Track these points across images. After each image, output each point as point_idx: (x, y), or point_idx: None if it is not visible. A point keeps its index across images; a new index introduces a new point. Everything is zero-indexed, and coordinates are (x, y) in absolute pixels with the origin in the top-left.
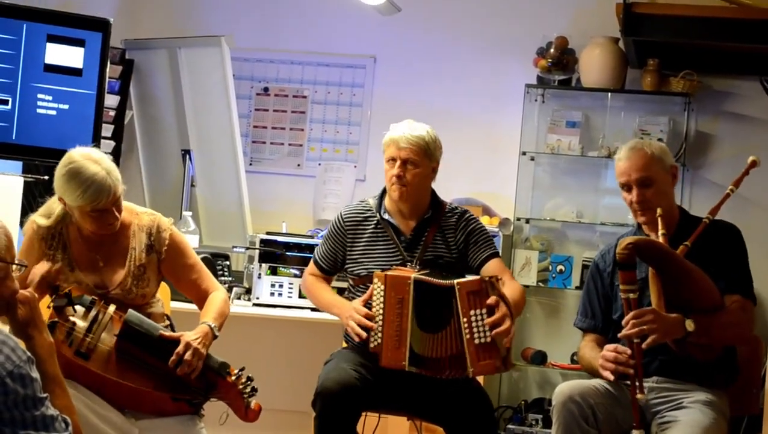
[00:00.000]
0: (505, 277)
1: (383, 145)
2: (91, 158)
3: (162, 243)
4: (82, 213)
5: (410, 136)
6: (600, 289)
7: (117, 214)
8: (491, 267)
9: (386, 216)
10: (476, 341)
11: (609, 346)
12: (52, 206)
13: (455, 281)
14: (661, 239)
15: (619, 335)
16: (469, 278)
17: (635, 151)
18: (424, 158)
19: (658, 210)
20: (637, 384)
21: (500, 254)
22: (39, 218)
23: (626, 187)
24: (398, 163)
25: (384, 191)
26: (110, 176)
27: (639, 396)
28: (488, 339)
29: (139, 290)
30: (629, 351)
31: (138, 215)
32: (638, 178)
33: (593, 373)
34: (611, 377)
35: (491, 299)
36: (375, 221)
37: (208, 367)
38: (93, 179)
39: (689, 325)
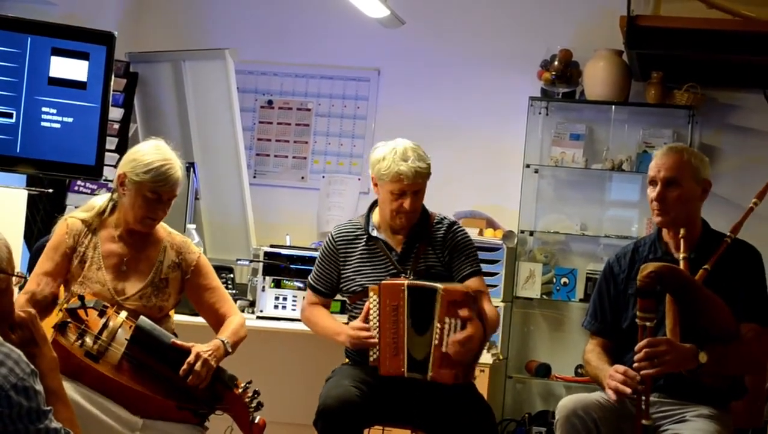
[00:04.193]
0: (484, 297)
1: (382, 173)
2: (169, 149)
3: (189, 263)
4: (138, 193)
5: (419, 169)
6: (612, 292)
7: (165, 211)
8: (471, 285)
9: (374, 233)
10: (442, 348)
11: (619, 368)
12: (94, 202)
13: (441, 285)
14: (681, 264)
15: (634, 366)
16: (456, 286)
17: (672, 150)
18: (426, 181)
19: (682, 231)
20: (643, 409)
21: (502, 267)
22: (78, 213)
23: (653, 183)
24: (409, 199)
25: (371, 208)
26: (181, 171)
27: (644, 421)
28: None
29: (157, 301)
30: (638, 377)
31: (171, 234)
32: (665, 177)
33: (597, 381)
34: (614, 397)
35: (465, 312)
36: (365, 239)
37: (216, 378)
38: (168, 162)
39: (702, 357)
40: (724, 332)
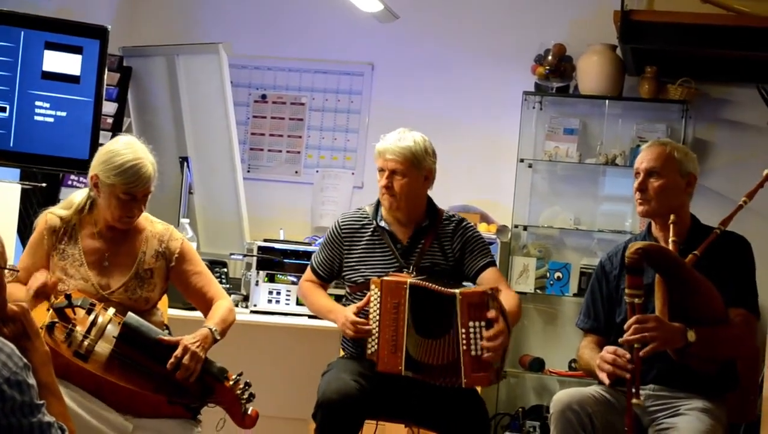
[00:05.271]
0: (502, 286)
1: (374, 155)
2: (138, 146)
3: (173, 251)
4: (111, 195)
5: (396, 147)
6: (604, 291)
7: (142, 208)
8: (488, 276)
9: (382, 223)
10: (472, 352)
11: (608, 348)
12: (73, 198)
13: (458, 291)
14: (671, 246)
15: (620, 340)
16: (472, 289)
17: (656, 144)
18: (411, 168)
19: (672, 217)
20: (633, 389)
21: (497, 262)
22: (57, 210)
23: (636, 174)
24: (386, 174)
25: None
26: (152, 166)
27: (634, 401)
28: (483, 352)
29: (143, 292)
30: (628, 355)
31: (152, 222)
32: (647, 167)
33: (591, 374)
34: (606, 380)
35: (491, 313)
36: (372, 229)
37: (206, 371)
38: (137, 162)
39: (691, 336)
40: (713, 314)
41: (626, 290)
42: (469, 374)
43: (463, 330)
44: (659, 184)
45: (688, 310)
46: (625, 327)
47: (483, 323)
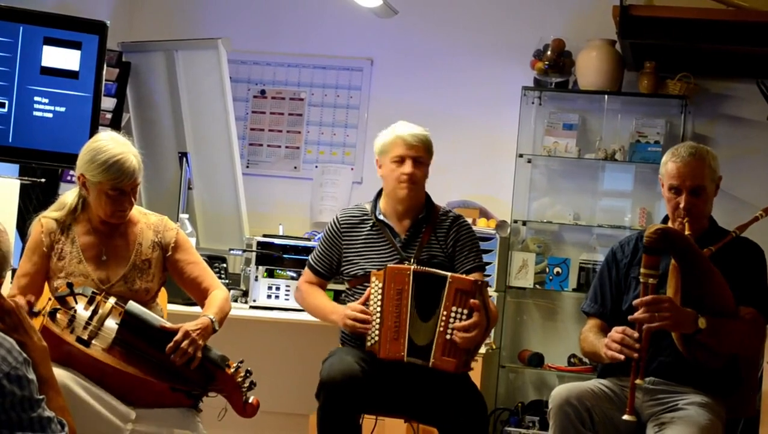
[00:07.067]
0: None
1: (384, 145)
2: (119, 140)
3: (168, 240)
4: (100, 192)
5: (419, 134)
6: (614, 278)
7: (132, 200)
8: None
9: (381, 217)
10: (447, 336)
11: (617, 328)
12: (65, 199)
13: (449, 274)
14: None
15: (630, 318)
16: (463, 276)
17: (696, 158)
18: (428, 155)
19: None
20: (639, 369)
21: (495, 258)
22: (50, 213)
23: (675, 190)
24: (410, 162)
25: (379, 194)
26: (135, 158)
27: (638, 381)
28: (456, 337)
29: (142, 283)
30: (636, 334)
31: (146, 214)
32: (692, 186)
33: (593, 356)
34: (620, 357)
35: (473, 302)
36: (371, 223)
37: (207, 359)
38: (120, 156)
39: (702, 322)
40: (724, 307)
41: (642, 270)
42: (439, 357)
43: (445, 313)
44: (702, 200)
45: (702, 298)
46: (638, 303)
47: (465, 312)
